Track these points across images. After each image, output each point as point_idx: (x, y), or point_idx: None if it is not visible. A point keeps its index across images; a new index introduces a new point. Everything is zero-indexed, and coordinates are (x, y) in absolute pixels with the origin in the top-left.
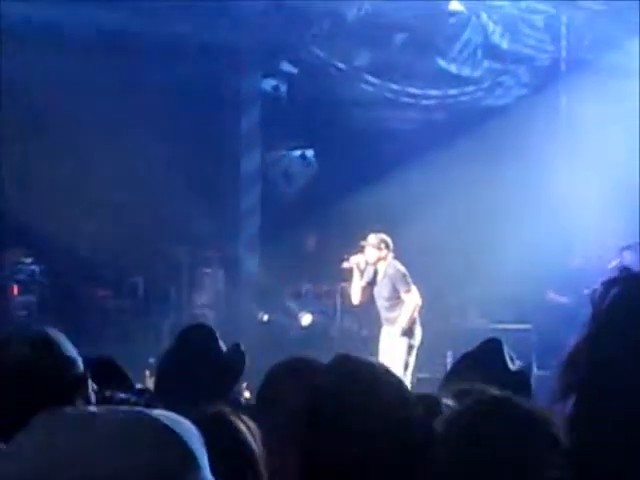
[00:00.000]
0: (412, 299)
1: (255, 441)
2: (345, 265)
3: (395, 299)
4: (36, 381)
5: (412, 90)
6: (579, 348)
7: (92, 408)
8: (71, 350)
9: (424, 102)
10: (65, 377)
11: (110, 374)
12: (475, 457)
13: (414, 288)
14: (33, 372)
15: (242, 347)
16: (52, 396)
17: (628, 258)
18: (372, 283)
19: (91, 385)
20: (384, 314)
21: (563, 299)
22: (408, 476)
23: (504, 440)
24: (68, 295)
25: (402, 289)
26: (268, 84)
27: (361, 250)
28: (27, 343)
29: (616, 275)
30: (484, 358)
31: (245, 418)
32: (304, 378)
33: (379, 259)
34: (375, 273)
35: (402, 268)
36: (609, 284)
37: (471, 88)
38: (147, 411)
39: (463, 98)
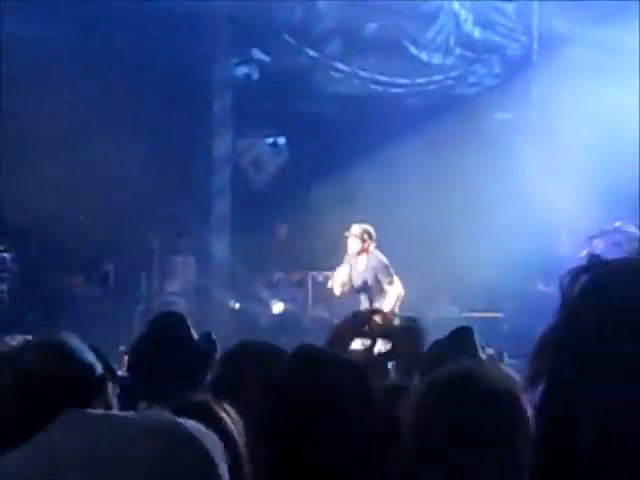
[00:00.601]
0: (395, 290)
1: (237, 430)
2: (330, 285)
3: (378, 290)
4: (52, 390)
5: (382, 78)
6: (548, 336)
7: (120, 413)
8: (87, 355)
9: (394, 90)
10: (82, 383)
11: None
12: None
13: (397, 279)
14: (49, 381)
15: (213, 335)
16: (69, 404)
17: (598, 246)
18: (353, 274)
19: (112, 389)
20: (365, 306)
21: (550, 289)
22: (374, 460)
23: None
24: (39, 283)
25: (385, 280)
26: (240, 71)
27: (344, 240)
28: (42, 351)
29: (585, 263)
30: (454, 346)
31: (227, 407)
32: (259, 360)
33: (362, 250)
34: (357, 264)
35: (384, 259)
36: (578, 272)
37: (441, 77)
38: (177, 420)
39: (434, 86)
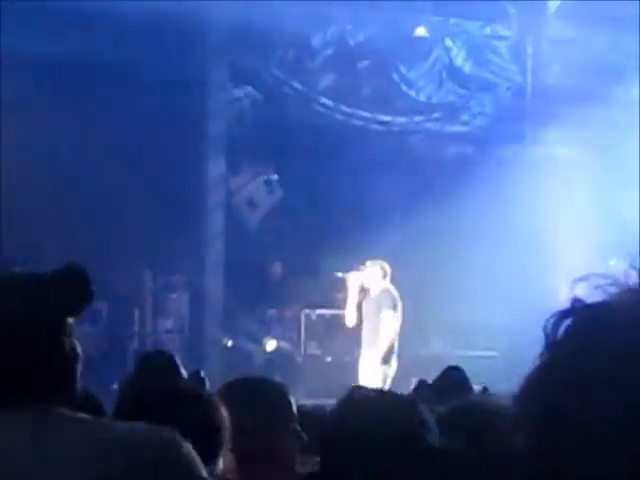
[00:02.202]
0: (392, 320)
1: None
2: (340, 275)
3: (377, 321)
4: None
5: (382, 117)
6: (531, 382)
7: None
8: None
9: (394, 129)
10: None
11: (84, 404)
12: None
13: (398, 315)
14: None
15: (202, 373)
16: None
17: (580, 289)
18: (360, 307)
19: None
20: (365, 338)
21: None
22: None
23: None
24: None
25: (385, 306)
26: (233, 110)
27: (357, 270)
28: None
29: (569, 306)
30: (443, 387)
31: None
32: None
33: (380, 289)
34: (365, 296)
35: (395, 292)
36: (562, 315)
37: (436, 114)
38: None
39: (427, 124)
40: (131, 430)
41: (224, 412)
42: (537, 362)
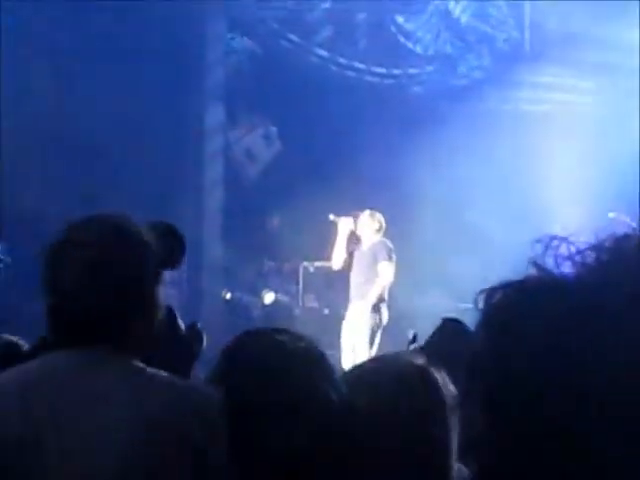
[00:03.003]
0: (388, 271)
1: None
2: (332, 218)
3: (372, 273)
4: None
5: (379, 70)
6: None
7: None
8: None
9: (391, 81)
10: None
11: None
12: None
13: (393, 265)
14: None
15: (199, 326)
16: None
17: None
18: (351, 255)
19: None
20: (356, 289)
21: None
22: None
23: None
24: (33, 273)
25: (381, 257)
26: (231, 62)
27: (353, 217)
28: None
29: (498, 283)
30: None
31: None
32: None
33: (373, 242)
34: (358, 245)
35: (390, 244)
36: (492, 291)
37: (433, 66)
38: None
39: (424, 76)
40: (204, 394)
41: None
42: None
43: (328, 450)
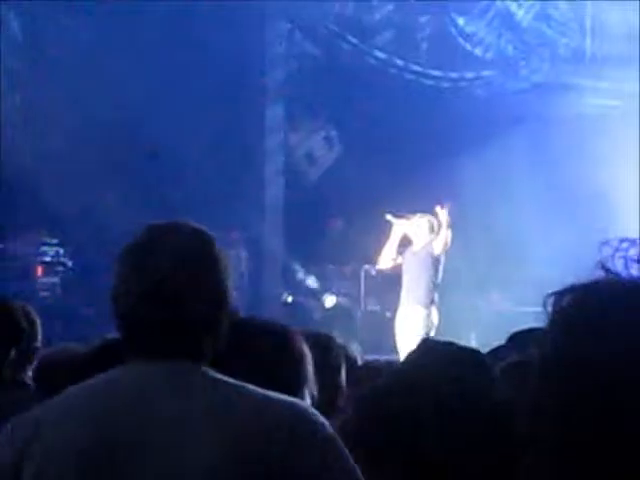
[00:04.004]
0: (431, 277)
1: None
2: (389, 217)
3: (422, 275)
4: None
5: (434, 72)
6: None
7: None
8: None
9: (446, 84)
10: None
11: None
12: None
13: (439, 271)
14: None
15: None
16: None
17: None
18: (402, 257)
19: None
20: (406, 291)
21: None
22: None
23: None
24: (93, 277)
25: (426, 263)
26: (292, 65)
27: (407, 219)
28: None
29: (567, 286)
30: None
31: None
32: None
33: (425, 243)
34: (409, 247)
35: (438, 250)
36: (561, 293)
37: (492, 72)
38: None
39: (486, 81)
40: (291, 406)
41: (303, 345)
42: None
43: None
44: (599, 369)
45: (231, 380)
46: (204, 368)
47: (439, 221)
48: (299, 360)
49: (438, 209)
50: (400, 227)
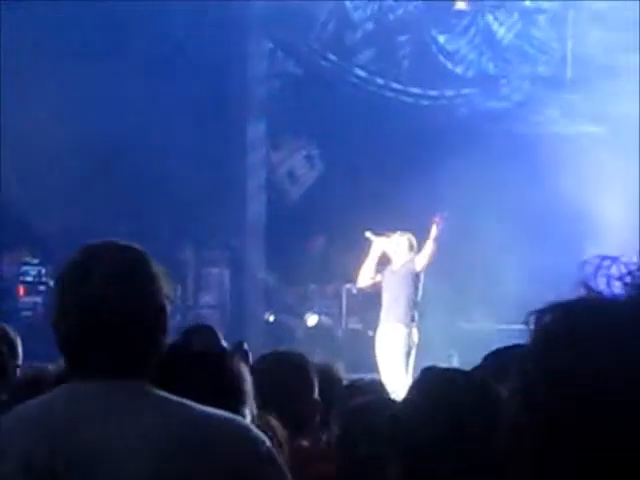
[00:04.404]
0: (410, 296)
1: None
2: (368, 235)
3: (402, 293)
4: None
5: (414, 90)
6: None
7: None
8: None
9: (424, 102)
10: None
11: None
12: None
13: (418, 289)
14: None
15: (245, 346)
16: None
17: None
18: (381, 276)
19: None
20: (386, 309)
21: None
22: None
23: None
24: None
25: (406, 282)
26: (274, 85)
27: (387, 237)
28: None
29: (547, 305)
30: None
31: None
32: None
33: (404, 261)
34: (388, 265)
35: (419, 268)
36: (542, 312)
37: (473, 90)
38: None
39: (467, 99)
40: (231, 422)
41: (242, 368)
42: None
43: None
44: (582, 385)
45: (171, 397)
46: (142, 385)
47: (427, 236)
48: (236, 380)
49: (436, 219)
50: (379, 245)
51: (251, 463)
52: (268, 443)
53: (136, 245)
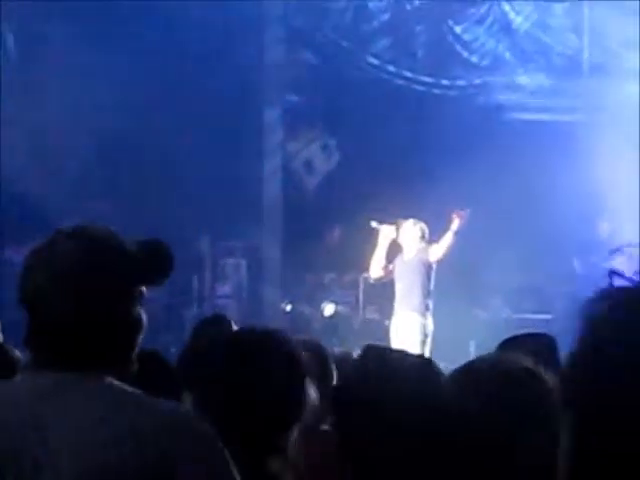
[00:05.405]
0: (424, 284)
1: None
2: (374, 224)
3: (415, 281)
4: None
5: (428, 79)
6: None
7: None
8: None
9: (440, 91)
10: None
11: (154, 369)
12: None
13: (431, 278)
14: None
15: None
16: None
17: (619, 262)
18: (393, 264)
19: None
20: (400, 298)
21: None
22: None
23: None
24: None
25: (418, 270)
26: (289, 74)
27: (396, 225)
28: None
29: (602, 290)
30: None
31: None
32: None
33: (416, 250)
34: (400, 253)
35: (432, 258)
36: (596, 299)
37: (490, 78)
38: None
39: (483, 88)
40: (172, 416)
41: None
42: (579, 342)
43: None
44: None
45: (121, 386)
46: (91, 375)
47: (450, 225)
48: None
49: (455, 214)
50: (387, 234)
51: (195, 448)
52: (211, 430)
53: (104, 231)
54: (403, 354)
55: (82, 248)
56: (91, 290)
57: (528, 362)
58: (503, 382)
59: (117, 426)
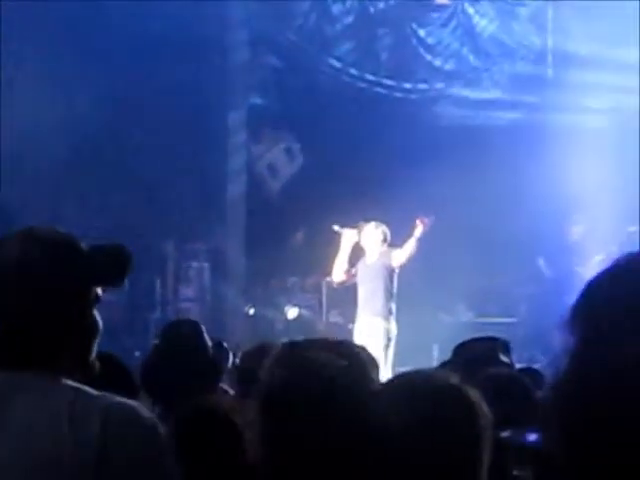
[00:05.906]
0: (387, 287)
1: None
2: (336, 228)
3: (378, 285)
4: None
5: (395, 83)
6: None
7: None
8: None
9: (405, 95)
10: None
11: (112, 372)
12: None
13: (394, 281)
14: None
15: (225, 345)
16: None
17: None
18: (356, 268)
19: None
20: (363, 302)
21: (549, 272)
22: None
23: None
24: None
25: (381, 273)
26: (253, 77)
27: (358, 229)
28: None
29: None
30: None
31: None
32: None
33: (378, 253)
34: (362, 257)
35: (395, 263)
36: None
37: (455, 81)
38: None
39: (446, 91)
40: (109, 403)
41: None
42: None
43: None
44: None
45: (74, 385)
46: (45, 376)
47: (413, 231)
48: None
49: (419, 221)
50: (349, 238)
51: (129, 434)
52: (158, 425)
53: (53, 232)
54: (325, 356)
55: (31, 249)
56: (41, 290)
57: (455, 379)
58: (435, 399)
59: (53, 411)
